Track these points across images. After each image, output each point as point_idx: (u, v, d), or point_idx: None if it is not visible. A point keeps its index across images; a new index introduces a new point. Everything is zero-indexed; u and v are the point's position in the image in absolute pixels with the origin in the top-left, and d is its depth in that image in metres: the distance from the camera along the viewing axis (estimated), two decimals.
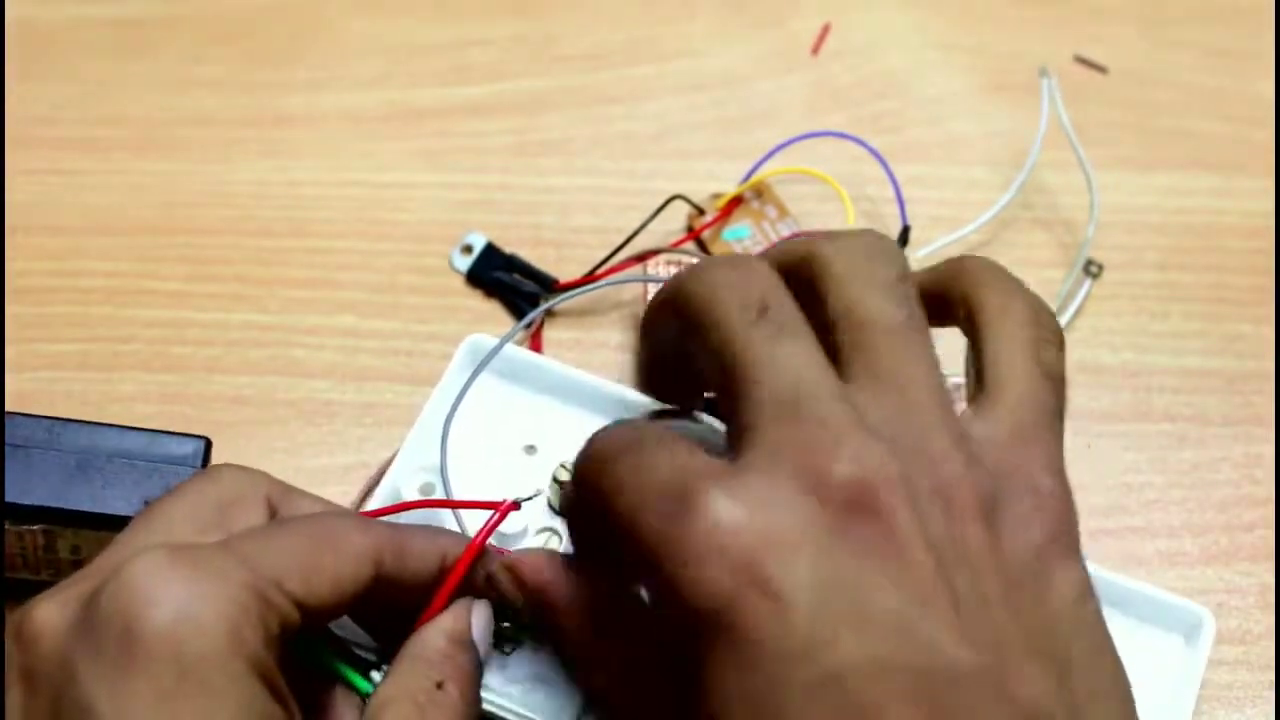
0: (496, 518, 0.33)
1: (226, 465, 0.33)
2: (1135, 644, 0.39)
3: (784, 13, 0.58)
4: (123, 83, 0.54)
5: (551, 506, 0.39)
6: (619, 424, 0.30)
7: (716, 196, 0.50)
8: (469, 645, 0.32)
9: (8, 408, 0.46)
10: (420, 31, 0.56)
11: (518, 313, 0.48)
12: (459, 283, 0.49)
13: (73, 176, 0.52)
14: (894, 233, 0.49)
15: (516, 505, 0.34)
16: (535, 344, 0.47)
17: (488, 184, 0.52)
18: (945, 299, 0.31)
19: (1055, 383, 0.30)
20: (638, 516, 0.26)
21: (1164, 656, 0.39)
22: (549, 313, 0.48)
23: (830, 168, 0.50)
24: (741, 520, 0.25)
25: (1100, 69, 0.56)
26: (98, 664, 0.26)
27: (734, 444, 0.27)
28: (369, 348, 0.48)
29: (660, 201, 0.49)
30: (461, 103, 0.54)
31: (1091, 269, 0.49)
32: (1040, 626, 0.26)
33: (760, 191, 0.51)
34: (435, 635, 0.31)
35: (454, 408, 0.38)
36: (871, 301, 0.29)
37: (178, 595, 0.26)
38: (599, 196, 0.52)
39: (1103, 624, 0.28)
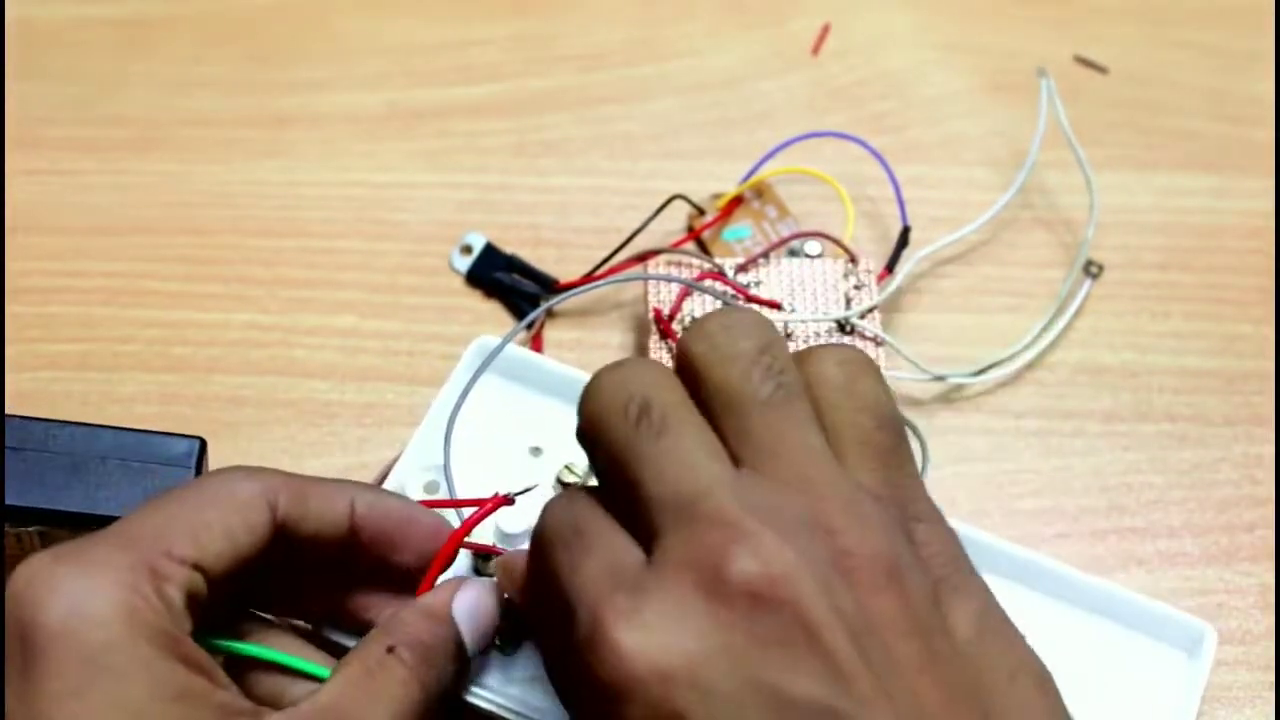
0: (485, 509, 0.33)
1: (219, 472, 0.32)
2: (1137, 658, 0.39)
3: (784, 13, 0.57)
4: (123, 83, 0.54)
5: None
6: (573, 499, 0.30)
7: (717, 196, 0.50)
8: (442, 619, 0.32)
9: (8, 408, 0.46)
10: (420, 31, 0.56)
11: (518, 313, 0.48)
12: (459, 283, 0.49)
13: (73, 176, 0.52)
14: (894, 233, 0.49)
15: (510, 500, 0.34)
16: (536, 344, 0.47)
17: (488, 184, 0.52)
18: None
19: (879, 416, 0.29)
20: (566, 627, 0.27)
21: (1166, 671, 0.39)
22: (550, 313, 0.48)
23: (831, 168, 0.50)
24: (647, 652, 0.25)
25: (1100, 69, 0.56)
26: (9, 674, 0.26)
27: (643, 547, 0.27)
28: (369, 348, 0.48)
29: (660, 201, 0.49)
30: (461, 103, 0.54)
31: (1091, 269, 0.49)
32: (959, 675, 0.26)
33: (761, 191, 0.51)
34: (406, 609, 0.32)
35: (457, 406, 0.38)
36: (734, 381, 0.29)
37: (66, 592, 0.27)
38: (599, 196, 0.52)
39: (1007, 632, 0.28)
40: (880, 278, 0.47)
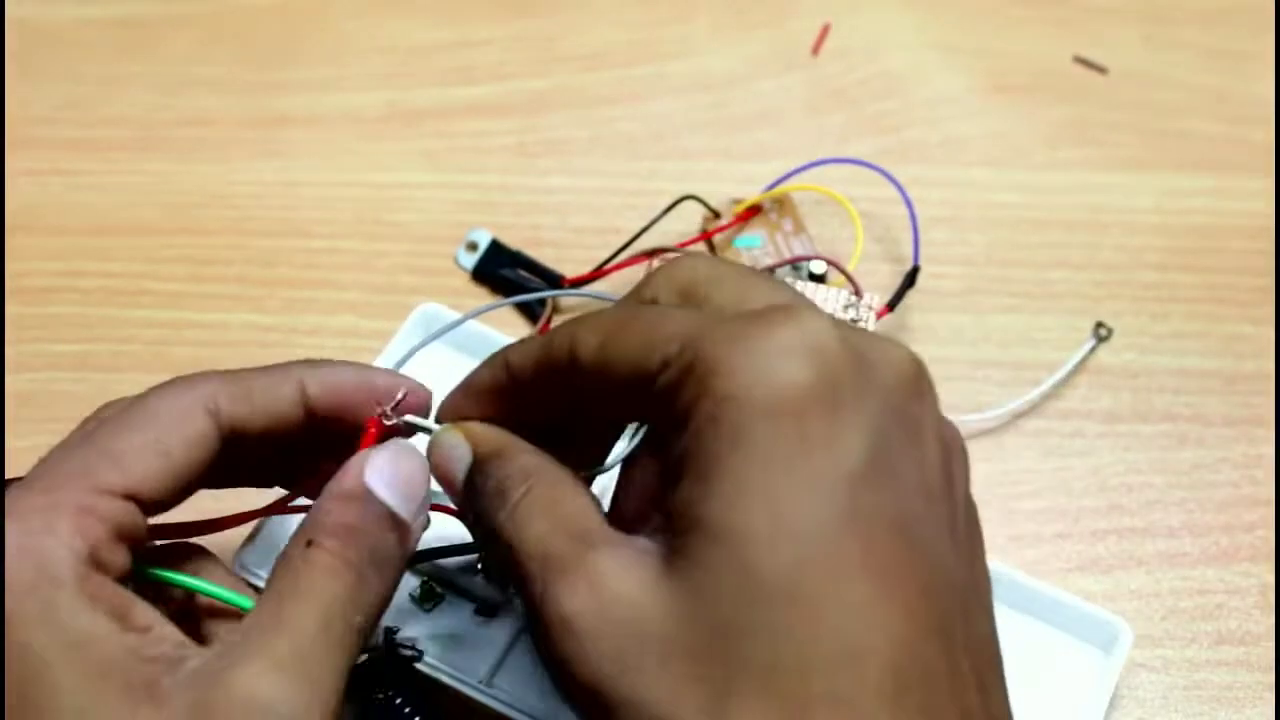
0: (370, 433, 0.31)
1: (155, 389, 0.31)
2: (1054, 652, 0.40)
3: (784, 13, 0.57)
4: (123, 83, 0.54)
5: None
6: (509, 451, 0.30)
7: (737, 201, 0.50)
8: (358, 495, 0.29)
9: (8, 408, 0.46)
10: (420, 31, 0.56)
11: (524, 309, 0.48)
12: (460, 282, 0.49)
13: (73, 176, 0.52)
14: (904, 261, 0.49)
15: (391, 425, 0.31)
16: None
17: (488, 184, 0.52)
18: None
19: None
20: (521, 576, 0.28)
21: (1080, 666, 0.39)
22: (554, 310, 0.48)
23: (851, 189, 0.49)
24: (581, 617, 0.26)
25: (1100, 69, 0.56)
26: None
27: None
28: (369, 348, 0.48)
29: (659, 201, 0.49)
30: (462, 103, 0.54)
31: (1100, 331, 0.49)
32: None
33: (781, 202, 0.50)
34: (323, 496, 0.29)
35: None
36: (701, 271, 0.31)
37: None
38: (599, 197, 0.52)
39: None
40: (881, 314, 0.46)
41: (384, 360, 0.42)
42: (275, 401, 0.31)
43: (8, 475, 0.44)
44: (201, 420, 0.29)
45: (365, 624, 0.28)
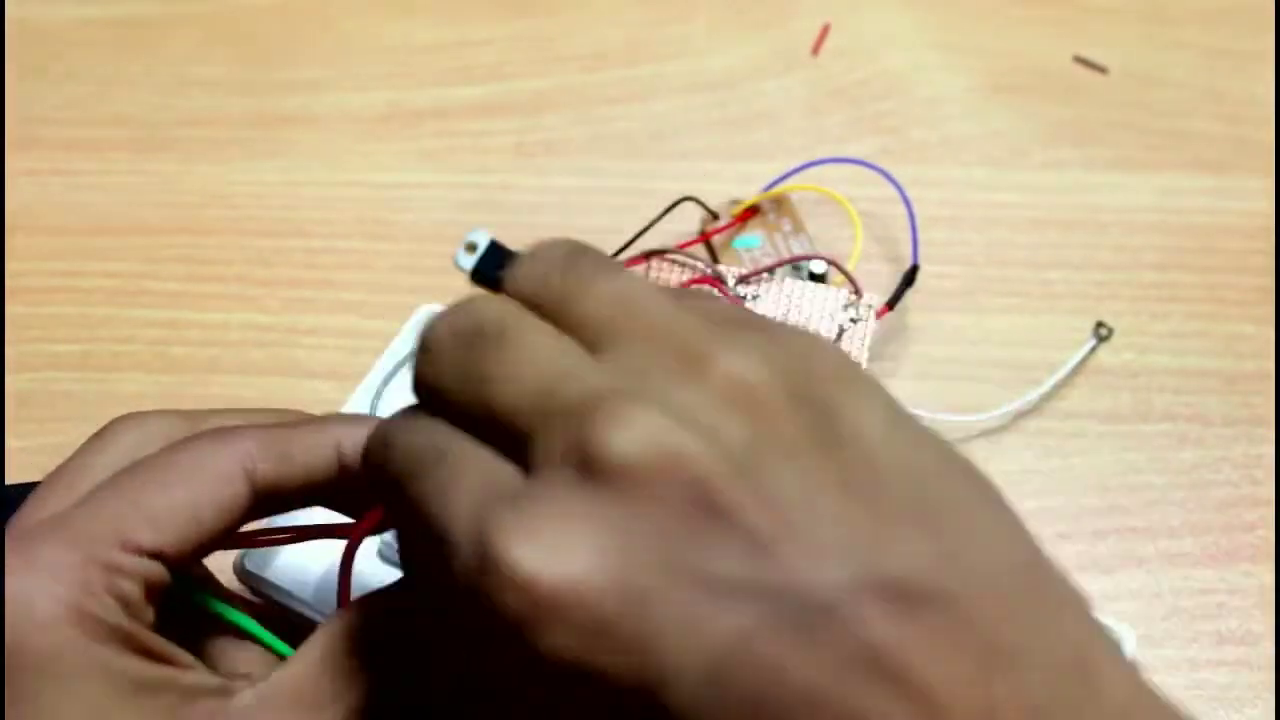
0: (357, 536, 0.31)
1: (117, 421, 0.30)
2: None
3: (784, 13, 0.58)
4: (123, 83, 0.54)
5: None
6: (417, 420, 0.26)
7: (735, 202, 0.50)
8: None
9: (8, 408, 0.46)
10: (420, 31, 0.56)
11: None
12: (460, 283, 0.49)
13: (73, 176, 0.52)
14: (903, 259, 0.49)
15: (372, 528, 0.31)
16: None
17: (488, 184, 0.52)
18: None
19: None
20: (444, 569, 0.23)
21: None
22: None
23: (850, 189, 0.49)
24: (552, 566, 0.22)
25: (1100, 69, 0.56)
26: None
27: (515, 462, 0.24)
28: (369, 348, 0.48)
29: (659, 201, 0.49)
30: (462, 103, 0.54)
31: (1101, 331, 0.49)
32: (887, 482, 0.23)
33: (780, 203, 0.50)
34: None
35: (390, 375, 0.39)
36: (554, 281, 0.27)
37: (13, 599, 0.26)
38: (599, 196, 0.52)
39: (917, 426, 0.24)
40: (880, 313, 0.46)
41: (384, 362, 0.42)
42: (312, 463, 0.30)
43: (8, 475, 0.44)
44: (239, 484, 0.29)
45: None
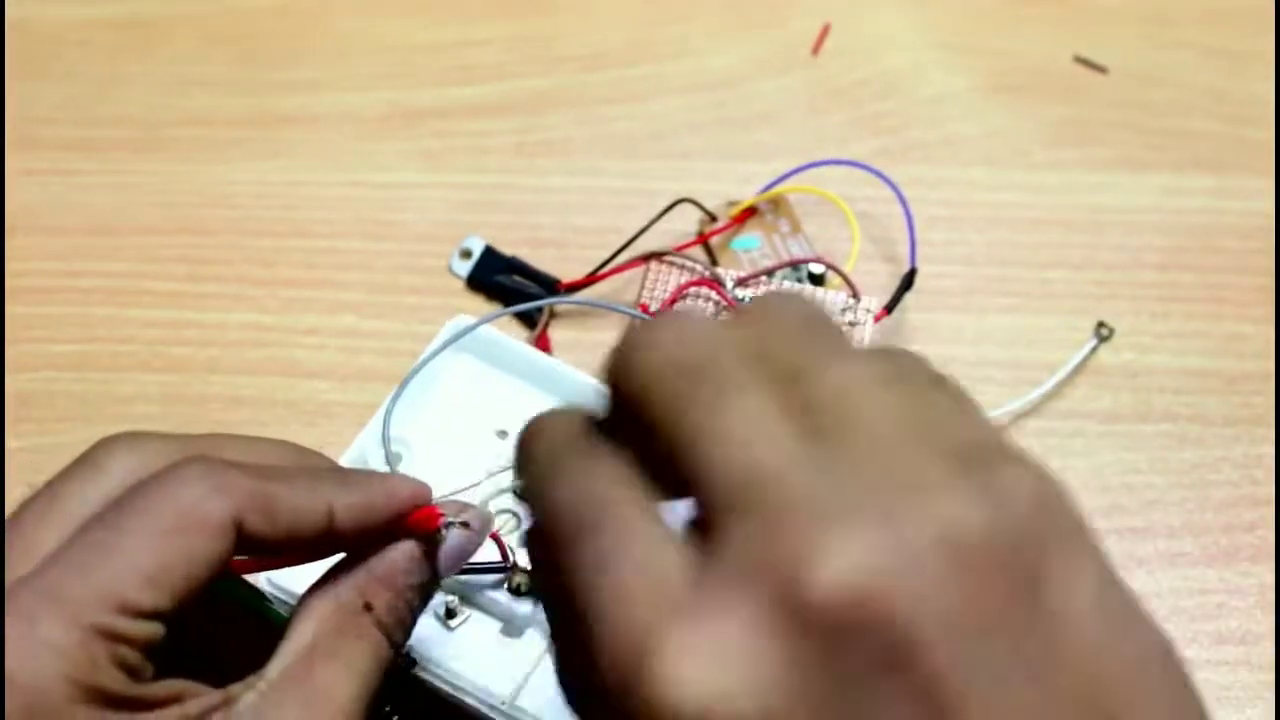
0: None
1: (110, 442, 0.29)
2: None
3: (784, 13, 0.57)
4: (123, 83, 0.54)
5: (516, 492, 0.39)
6: (591, 459, 0.24)
7: (732, 204, 0.50)
8: (417, 567, 0.30)
9: (8, 408, 0.46)
10: (420, 31, 0.56)
11: (523, 315, 0.48)
12: (460, 283, 0.49)
13: (73, 176, 0.52)
14: (901, 262, 0.49)
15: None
16: (543, 344, 0.47)
17: (487, 184, 0.52)
18: None
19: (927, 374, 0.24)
20: (586, 640, 0.22)
21: None
22: (552, 312, 0.48)
23: (847, 190, 0.49)
24: (704, 696, 0.20)
25: (1100, 69, 0.56)
26: None
27: (700, 533, 0.22)
28: (369, 348, 0.48)
29: (659, 201, 0.49)
30: (461, 103, 0.54)
31: (1101, 331, 0.49)
32: (1079, 675, 0.22)
33: (777, 204, 0.50)
34: (391, 552, 0.30)
35: (411, 376, 0.39)
36: (795, 343, 0.24)
37: (23, 687, 0.26)
38: (599, 196, 0.52)
39: (1128, 604, 0.23)
40: (879, 317, 0.46)
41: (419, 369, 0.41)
42: (300, 524, 0.29)
43: (8, 475, 0.44)
44: (230, 537, 0.28)
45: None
